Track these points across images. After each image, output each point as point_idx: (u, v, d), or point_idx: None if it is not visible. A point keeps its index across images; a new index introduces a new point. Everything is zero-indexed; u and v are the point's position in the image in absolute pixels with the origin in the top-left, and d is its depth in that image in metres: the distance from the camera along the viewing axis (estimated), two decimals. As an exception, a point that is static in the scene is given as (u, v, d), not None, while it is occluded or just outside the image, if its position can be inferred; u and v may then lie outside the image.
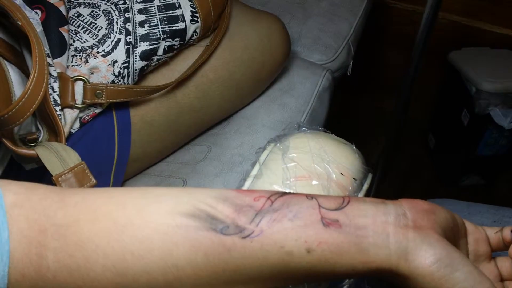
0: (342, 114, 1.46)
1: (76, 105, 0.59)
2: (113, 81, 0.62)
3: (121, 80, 0.62)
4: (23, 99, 0.50)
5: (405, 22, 1.42)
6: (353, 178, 0.43)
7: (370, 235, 0.34)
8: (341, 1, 0.99)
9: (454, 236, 0.36)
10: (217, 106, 0.73)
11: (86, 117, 0.62)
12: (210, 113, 0.74)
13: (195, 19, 0.67)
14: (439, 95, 1.46)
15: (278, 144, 0.46)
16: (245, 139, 0.73)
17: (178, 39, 0.66)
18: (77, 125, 0.61)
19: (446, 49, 1.36)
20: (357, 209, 0.35)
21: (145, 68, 0.65)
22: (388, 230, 0.34)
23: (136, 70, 0.63)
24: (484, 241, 0.39)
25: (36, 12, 0.62)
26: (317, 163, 0.43)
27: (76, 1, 0.64)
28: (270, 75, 0.79)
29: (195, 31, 0.68)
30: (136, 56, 0.63)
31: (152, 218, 0.35)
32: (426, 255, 0.33)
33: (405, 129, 1.22)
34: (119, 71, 0.62)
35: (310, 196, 0.36)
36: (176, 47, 0.66)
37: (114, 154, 0.66)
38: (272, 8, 0.94)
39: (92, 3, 0.64)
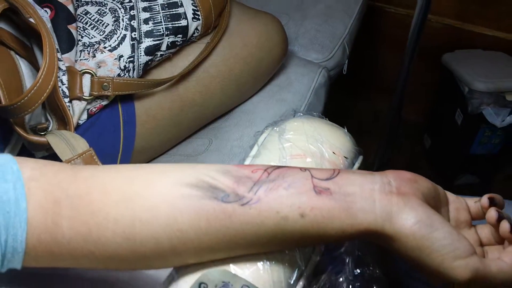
0: (339, 115, 1.49)
1: (84, 97, 0.63)
2: (119, 75, 0.65)
3: (127, 74, 0.66)
4: (35, 88, 0.53)
5: (399, 25, 1.46)
6: (345, 157, 0.47)
7: (358, 201, 0.37)
8: (337, 3, 1.02)
9: (435, 204, 0.39)
10: (218, 100, 0.77)
11: (93, 109, 0.65)
12: (211, 107, 0.77)
13: (197, 16, 0.70)
14: (434, 96, 1.50)
15: (275, 128, 0.49)
16: (244, 131, 0.76)
17: (180, 35, 0.69)
18: (84, 116, 0.65)
19: (440, 51, 1.39)
20: (346, 179, 0.38)
21: (149, 63, 0.68)
22: (375, 196, 0.37)
23: (140, 64, 0.67)
24: (465, 209, 0.42)
25: (46, 11, 0.66)
26: (311, 143, 0.46)
27: (83, 0, 0.67)
28: (268, 71, 0.82)
29: (196, 28, 0.71)
30: (141, 51, 0.66)
31: (158, 189, 0.38)
32: (408, 217, 0.36)
33: (402, 130, 1.25)
34: (125, 65, 0.65)
35: (303, 169, 0.39)
36: (178, 43, 0.70)
37: (120, 145, 0.69)
38: (270, 10, 0.96)
39: (99, 1, 0.67)
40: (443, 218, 0.36)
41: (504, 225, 0.38)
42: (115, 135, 0.68)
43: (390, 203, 0.36)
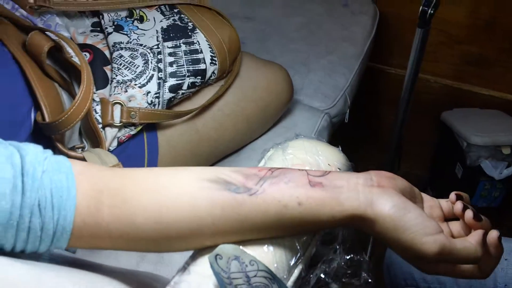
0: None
1: (114, 124, 0.72)
2: (146, 107, 0.75)
3: (153, 107, 0.76)
4: (74, 107, 0.63)
5: (399, 86, 1.57)
6: (338, 168, 0.54)
7: (345, 191, 0.44)
8: (339, 59, 1.13)
9: (411, 198, 0.46)
10: (231, 136, 0.86)
11: (123, 137, 0.74)
12: (225, 143, 0.86)
13: (214, 62, 0.81)
14: (435, 151, 1.57)
15: (280, 146, 0.58)
16: (255, 164, 0.84)
17: (199, 77, 0.80)
18: (115, 143, 0.74)
19: (439, 109, 1.49)
20: (336, 175, 0.46)
21: (172, 99, 0.78)
22: (359, 188, 0.44)
23: (165, 100, 0.77)
24: (437, 207, 0.49)
25: (85, 54, 0.77)
26: (310, 156, 0.54)
27: (118, 46, 0.79)
28: (275, 113, 0.92)
29: (213, 72, 0.82)
30: (165, 89, 0.76)
31: (182, 182, 0.45)
32: (386, 202, 0.43)
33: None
34: (151, 100, 0.75)
35: (301, 169, 0.47)
36: (197, 84, 0.80)
37: (143, 171, 0.77)
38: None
39: (131, 47, 0.79)
40: (415, 204, 0.44)
41: (468, 213, 0.45)
42: (140, 162, 0.77)
43: (371, 192, 0.44)
